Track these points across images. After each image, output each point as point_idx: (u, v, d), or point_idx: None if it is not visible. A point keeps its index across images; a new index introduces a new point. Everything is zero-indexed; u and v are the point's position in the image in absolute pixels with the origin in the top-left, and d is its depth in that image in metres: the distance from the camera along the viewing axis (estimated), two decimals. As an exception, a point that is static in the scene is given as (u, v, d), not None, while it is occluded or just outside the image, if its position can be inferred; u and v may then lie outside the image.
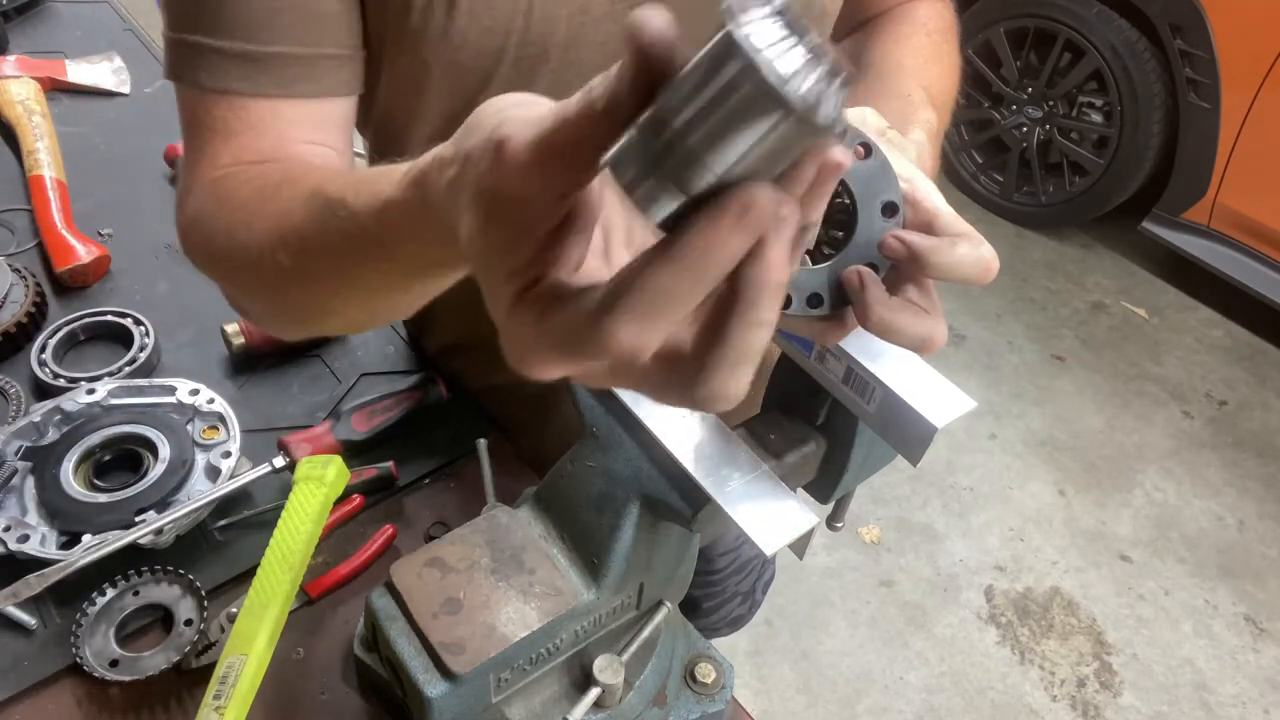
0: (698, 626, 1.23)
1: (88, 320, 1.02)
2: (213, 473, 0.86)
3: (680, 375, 0.33)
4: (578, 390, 0.62)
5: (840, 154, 0.29)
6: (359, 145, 0.83)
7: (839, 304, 0.48)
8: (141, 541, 0.79)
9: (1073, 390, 2.75)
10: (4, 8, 1.49)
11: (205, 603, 0.78)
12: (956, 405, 0.56)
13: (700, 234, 0.28)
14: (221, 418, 0.90)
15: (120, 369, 0.97)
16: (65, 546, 0.79)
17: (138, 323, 1.01)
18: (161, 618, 0.79)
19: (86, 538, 0.79)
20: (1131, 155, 2.91)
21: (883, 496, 2.43)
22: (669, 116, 0.27)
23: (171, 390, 0.91)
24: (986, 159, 3.31)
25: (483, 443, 0.82)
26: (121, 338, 1.02)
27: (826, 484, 0.69)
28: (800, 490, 0.69)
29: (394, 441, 0.93)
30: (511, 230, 0.32)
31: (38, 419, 0.87)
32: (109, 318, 1.02)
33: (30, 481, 0.84)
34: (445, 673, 0.58)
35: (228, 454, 0.87)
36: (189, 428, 0.89)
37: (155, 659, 0.75)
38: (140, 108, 1.38)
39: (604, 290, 0.30)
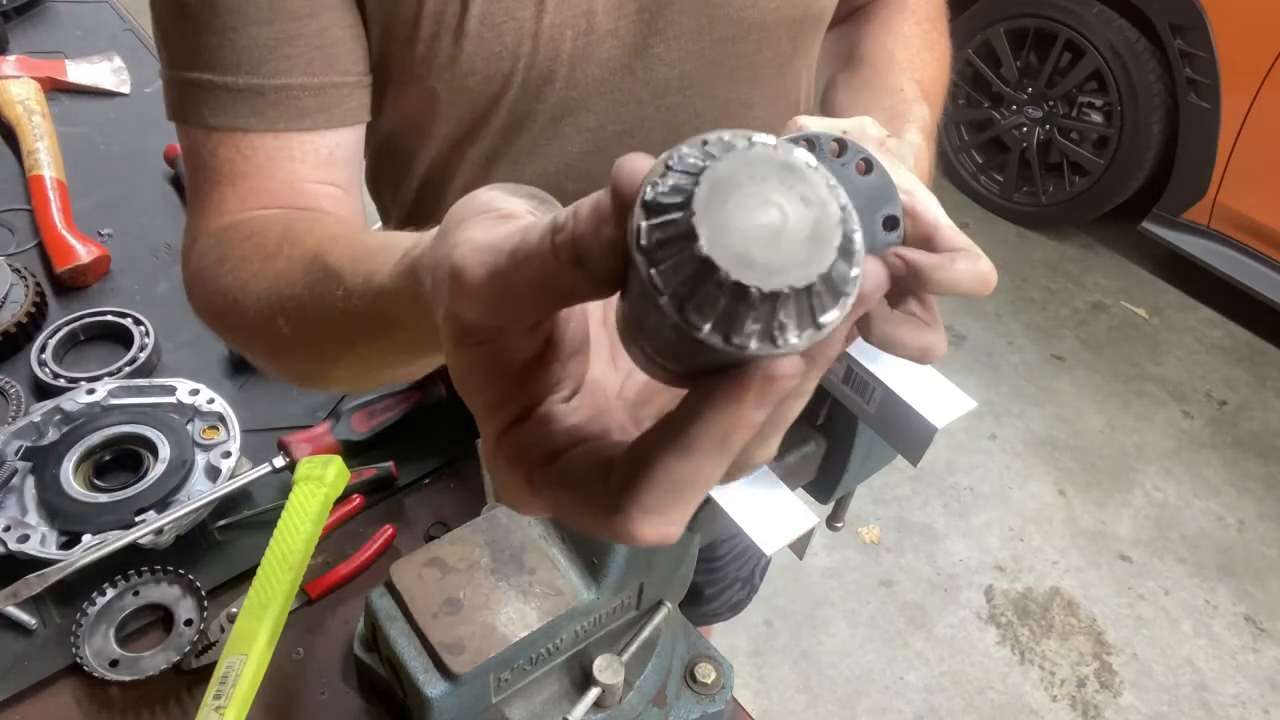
0: (699, 613, 1.24)
1: (88, 320, 1.02)
2: (213, 473, 0.86)
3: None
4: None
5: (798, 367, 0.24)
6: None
7: None
8: (141, 541, 0.79)
9: (1073, 390, 2.75)
10: (4, 8, 1.49)
11: (205, 603, 0.78)
12: (956, 405, 0.56)
13: (722, 414, 0.24)
14: (221, 418, 0.90)
15: (120, 369, 0.97)
16: (65, 546, 0.79)
17: (138, 323, 1.01)
18: (161, 618, 0.79)
19: (86, 538, 0.79)
20: (1131, 155, 2.91)
21: (883, 496, 2.43)
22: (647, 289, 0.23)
23: (171, 390, 0.91)
24: (986, 159, 3.31)
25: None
26: (121, 338, 1.02)
27: (826, 484, 0.69)
28: (800, 490, 0.69)
29: (394, 441, 0.93)
30: (482, 362, 0.28)
31: (38, 419, 0.87)
32: (109, 318, 1.02)
33: (30, 481, 0.84)
34: (445, 673, 0.58)
35: (228, 454, 0.87)
36: (189, 428, 0.89)
37: (155, 659, 0.75)
38: (140, 108, 1.38)
39: (619, 475, 0.26)
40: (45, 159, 1.20)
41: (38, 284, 1.04)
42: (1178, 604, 2.25)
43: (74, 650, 0.74)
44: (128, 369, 0.97)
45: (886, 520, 2.38)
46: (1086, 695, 2.07)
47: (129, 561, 0.79)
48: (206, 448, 0.88)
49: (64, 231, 1.11)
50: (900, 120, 0.66)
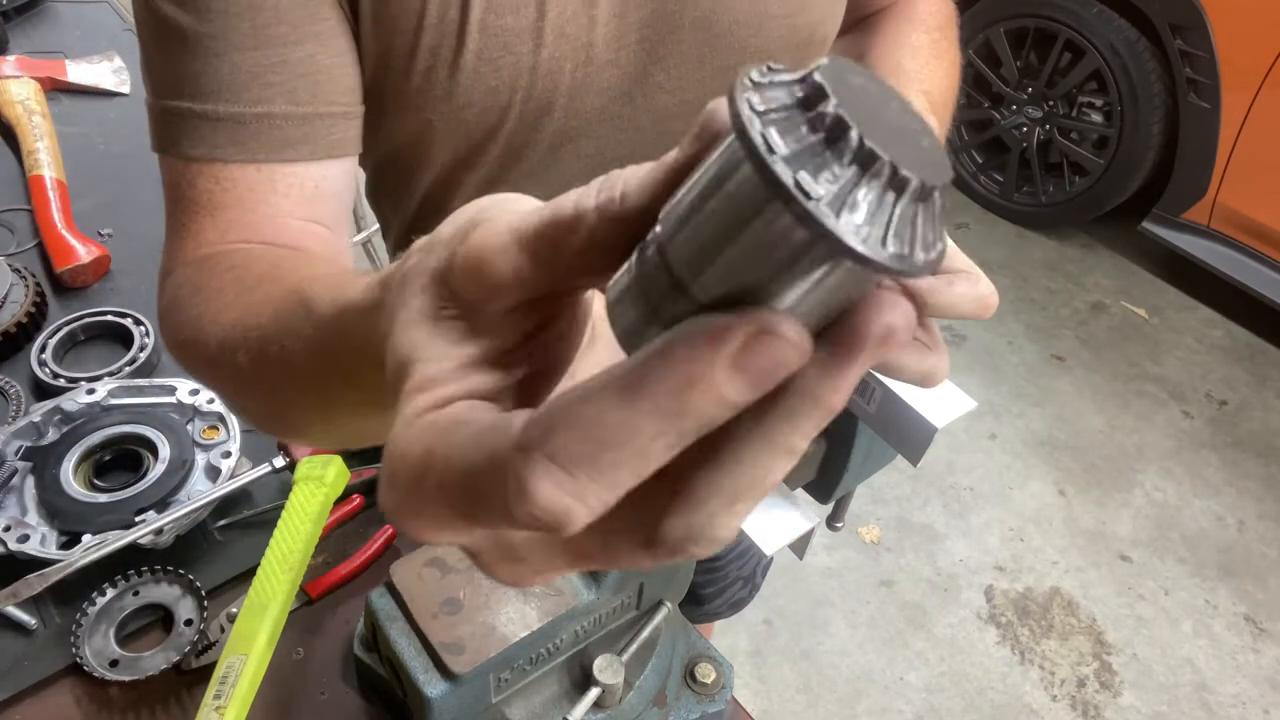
0: (700, 612, 1.25)
1: (88, 320, 1.02)
2: (213, 473, 0.86)
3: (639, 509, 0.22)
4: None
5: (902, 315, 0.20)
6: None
7: None
8: (141, 541, 0.79)
9: (1073, 390, 2.75)
10: (4, 8, 1.50)
11: (205, 603, 0.78)
12: (956, 405, 0.56)
13: (682, 357, 0.20)
14: (221, 417, 0.90)
15: (120, 369, 0.97)
16: (65, 546, 0.79)
17: (138, 323, 1.01)
18: (161, 618, 0.79)
19: (86, 538, 0.79)
20: (1131, 155, 2.91)
21: (883, 496, 2.43)
22: (674, 257, 0.21)
23: (171, 390, 0.91)
24: (986, 159, 3.31)
25: (483, 443, 0.82)
26: (121, 338, 1.02)
27: (826, 484, 0.69)
28: (800, 490, 0.69)
29: (394, 441, 0.92)
30: (470, 312, 0.26)
31: (38, 419, 0.87)
32: (109, 318, 1.02)
33: (30, 481, 0.84)
34: (445, 673, 0.58)
35: (228, 454, 0.87)
36: (189, 428, 0.89)
37: (155, 659, 0.75)
38: (140, 108, 1.37)
39: (525, 419, 0.21)
40: (45, 159, 1.21)
41: (38, 284, 1.04)
42: (1178, 604, 2.25)
43: (74, 650, 0.74)
44: (128, 369, 0.97)
45: (886, 520, 2.38)
46: (1086, 695, 2.07)
47: (129, 561, 0.79)
48: (206, 448, 0.88)
49: (64, 231, 1.11)
50: None
